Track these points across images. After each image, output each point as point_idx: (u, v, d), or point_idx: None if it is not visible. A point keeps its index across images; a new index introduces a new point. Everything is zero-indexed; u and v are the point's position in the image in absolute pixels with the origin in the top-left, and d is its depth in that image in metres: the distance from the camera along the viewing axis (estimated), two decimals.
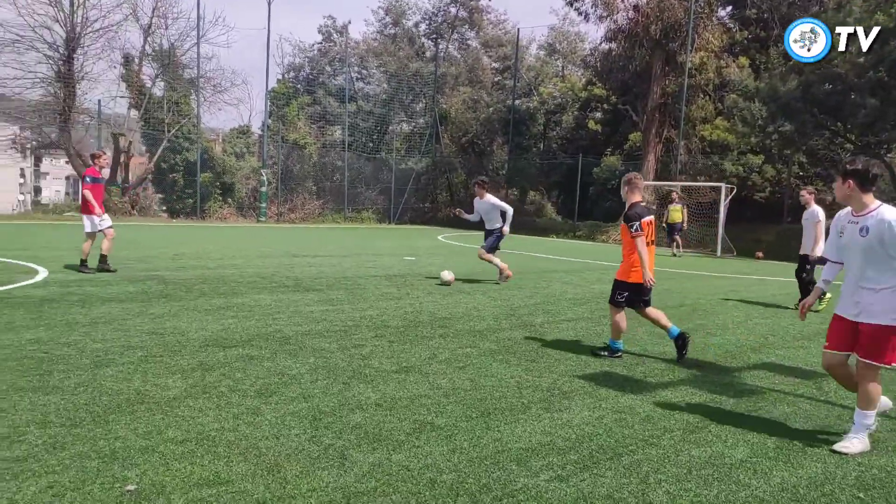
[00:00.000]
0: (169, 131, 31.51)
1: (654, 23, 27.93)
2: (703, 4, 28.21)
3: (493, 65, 43.82)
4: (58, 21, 29.26)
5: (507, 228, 11.30)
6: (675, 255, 21.14)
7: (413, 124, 41.37)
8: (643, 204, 6.37)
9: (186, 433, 3.90)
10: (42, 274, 10.05)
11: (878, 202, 4.19)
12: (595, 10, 30.81)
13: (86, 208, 10.73)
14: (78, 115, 31.12)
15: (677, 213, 21.60)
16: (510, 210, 11.31)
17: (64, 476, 3.27)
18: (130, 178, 31.98)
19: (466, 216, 11.92)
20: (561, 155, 35.47)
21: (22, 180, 77.16)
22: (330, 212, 34.88)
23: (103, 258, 10.74)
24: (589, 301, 10.09)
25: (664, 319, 6.43)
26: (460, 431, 4.18)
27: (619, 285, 6.36)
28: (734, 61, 27.82)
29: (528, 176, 36.32)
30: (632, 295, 6.32)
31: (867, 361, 4.13)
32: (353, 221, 34.80)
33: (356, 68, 41.56)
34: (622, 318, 6.35)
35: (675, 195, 22.43)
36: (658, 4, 27.94)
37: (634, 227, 6.12)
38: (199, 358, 5.60)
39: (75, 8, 29.30)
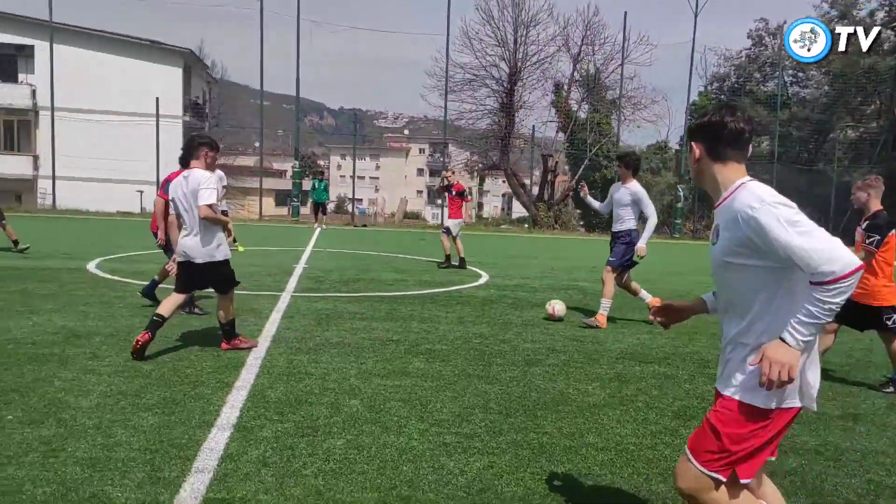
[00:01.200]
0: (590, 151, 33.43)
1: None
2: None
3: None
4: (504, 59, 33.84)
5: (642, 243, 7.52)
6: None
7: (861, 129, 35.41)
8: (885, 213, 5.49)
9: (606, 441, 3.98)
10: (484, 278, 11.62)
11: (742, 179, 2.30)
12: None
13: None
14: (515, 140, 35.41)
15: None
16: (653, 216, 7.49)
17: (501, 459, 3.65)
18: (555, 195, 34.94)
19: (592, 202, 8.44)
20: None
21: (470, 197, 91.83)
22: None
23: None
24: None
25: None
26: None
27: (885, 311, 5.43)
28: None
29: None
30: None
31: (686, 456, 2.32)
32: None
33: (790, 71, 37.58)
34: None
35: None
36: None
37: (875, 242, 5.32)
38: (617, 369, 5.70)
39: (518, 46, 33.44)
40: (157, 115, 28.74)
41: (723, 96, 36.94)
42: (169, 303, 5.48)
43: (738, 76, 38.26)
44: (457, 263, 12.81)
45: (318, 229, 22.69)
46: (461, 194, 13.36)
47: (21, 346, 5.52)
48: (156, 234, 7.37)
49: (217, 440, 3.70)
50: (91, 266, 10.54)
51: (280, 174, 61.22)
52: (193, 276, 5.55)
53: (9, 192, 33.70)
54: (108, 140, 30.99)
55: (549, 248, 20.67)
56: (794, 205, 2.16)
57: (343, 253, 15.35)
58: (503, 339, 6.69)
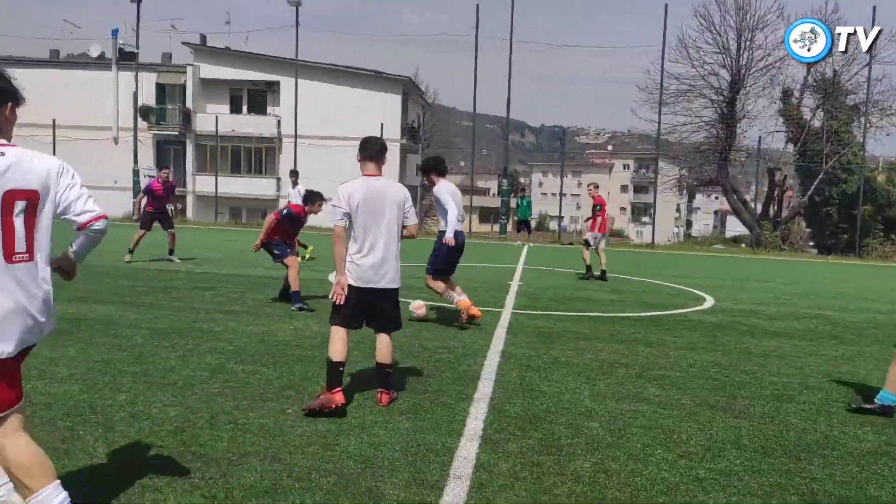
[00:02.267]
0: (826, 163, 29.97)
1: None
2: None
3: None
4: (724, 67, 31.70)
5: (450, 234, 7.51)
6: None
7: None
8: None
9: (893, 497, 3.48)
10: (709, 302, 10.89)
11: None
12: None
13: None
14: (735, 153, 32.88)
15: None
16: (451, 210, 7.44)
17: (767, 503, 3.35)
18: (783, 212, 31.84)
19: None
20: None
21: (677, 214, 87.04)
22: None
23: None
24: None
25: None
26: None
27: None
28: None
29: None
30: None
31: None
32: None
33: None
34: None
35: None
36: None
37: None
38: None
39: (741, 52, 31.12)
40: None
41: None
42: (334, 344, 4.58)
43: None
44: (598, 274, 13.13)
45: (525, 247, 22.97)
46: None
47: (287, 348, 6.26)
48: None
49: (468, 449, 3.86)
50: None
51: (484, 192, 63.11)
52: (367, 307, 4.62)
53: (255, 209, 38.69)
54: (337, 164, 34.32)
55: (778, 270, 18.83)
56: None
57: (553, 271, 15.35)
58: (744, 370, 6.19)
